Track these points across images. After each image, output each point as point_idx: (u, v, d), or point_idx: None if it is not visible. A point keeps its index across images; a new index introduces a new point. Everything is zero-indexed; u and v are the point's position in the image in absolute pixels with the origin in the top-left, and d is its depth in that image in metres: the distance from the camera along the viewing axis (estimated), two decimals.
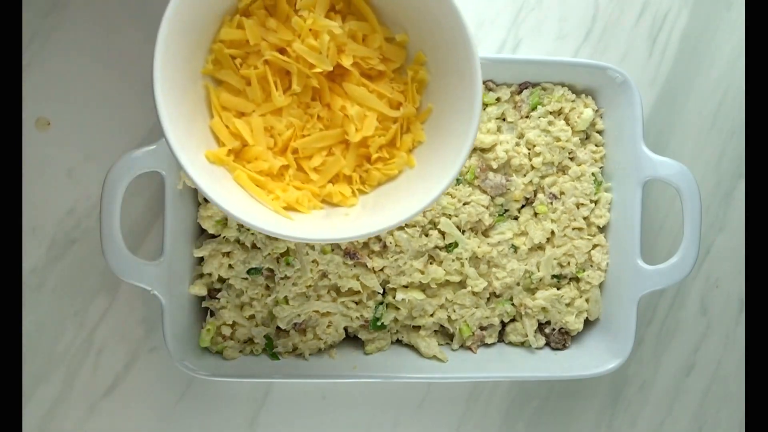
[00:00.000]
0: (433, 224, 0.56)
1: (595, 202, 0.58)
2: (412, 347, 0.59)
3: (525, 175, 0.57)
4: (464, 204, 0.57)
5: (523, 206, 0.58)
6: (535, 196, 0.58)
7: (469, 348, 0.59)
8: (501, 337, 0.60)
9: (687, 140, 0.63)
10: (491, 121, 0.57)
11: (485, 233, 0.57)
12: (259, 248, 0.55)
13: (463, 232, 0.56)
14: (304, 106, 0.47)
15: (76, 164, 0.58)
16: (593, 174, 0.58)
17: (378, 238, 0.55)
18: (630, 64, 0.63)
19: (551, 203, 0.57)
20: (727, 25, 0.63)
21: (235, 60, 0.45)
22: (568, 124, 0.57)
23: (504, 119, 0.58)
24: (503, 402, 0.62)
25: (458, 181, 0.57)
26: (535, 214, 0.58)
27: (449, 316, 0.58)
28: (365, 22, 0.47)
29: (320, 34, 0.45)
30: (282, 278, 0.56)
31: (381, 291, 0.56)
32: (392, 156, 0.48)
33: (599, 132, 0.58)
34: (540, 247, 0.58)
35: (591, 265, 0.58)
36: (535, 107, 0.57)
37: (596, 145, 0.58)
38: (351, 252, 0.56)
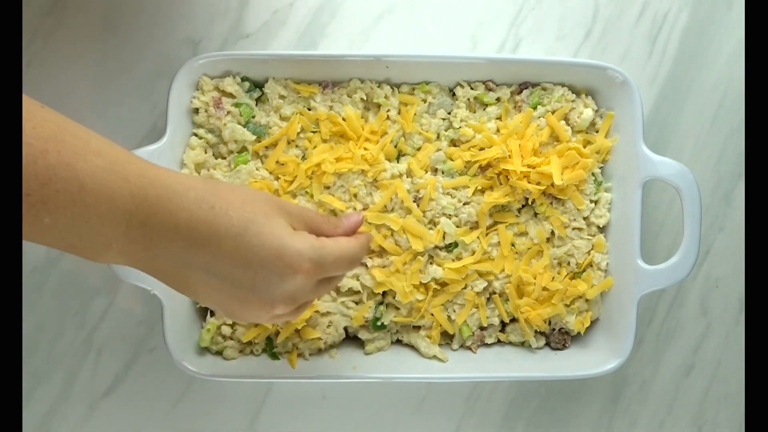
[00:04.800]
0: (433, 224, 0.56)
1: (595, 202, 0.58)
2: (412, 347, 0.59)
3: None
4: (464, 204, 0.57)
5: (523, 206, 0.58)
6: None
7: (469, 348, 0.59)
8: (501, 337, 0.60)
9: (687, 140, 0.63)
10: (491, 121, 0.57)
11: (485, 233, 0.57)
12: None
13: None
14: None
15: None
16: (593, 174, 0.58)
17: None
18: (630, 64, 0.63)
19: (551, 203, 0.57)
20: (727, 25, 0.63)
21: None
22: (568, 124, 0.57)
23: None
24: (503, 402, 0.62)
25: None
26: (535, 214, 0.58)
27: (449, 316, 0.58)
28: None
29: None
30: None
31: (381, 291, 0.56)
32: None
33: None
34: (540, 247, 0.57)
35: (591, 265, 0.58)
36: (535, 107, 0.57)
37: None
38: None
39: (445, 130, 0.58)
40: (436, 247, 0.57)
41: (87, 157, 0.34)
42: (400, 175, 0.56)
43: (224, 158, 0.56)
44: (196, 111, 0.55)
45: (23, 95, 0.34)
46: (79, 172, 0.33)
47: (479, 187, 0.57)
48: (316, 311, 0.56)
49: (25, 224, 0.33)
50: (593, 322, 0.59)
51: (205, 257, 0.38)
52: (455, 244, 0.56)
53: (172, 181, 0.37)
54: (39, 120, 0.33)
